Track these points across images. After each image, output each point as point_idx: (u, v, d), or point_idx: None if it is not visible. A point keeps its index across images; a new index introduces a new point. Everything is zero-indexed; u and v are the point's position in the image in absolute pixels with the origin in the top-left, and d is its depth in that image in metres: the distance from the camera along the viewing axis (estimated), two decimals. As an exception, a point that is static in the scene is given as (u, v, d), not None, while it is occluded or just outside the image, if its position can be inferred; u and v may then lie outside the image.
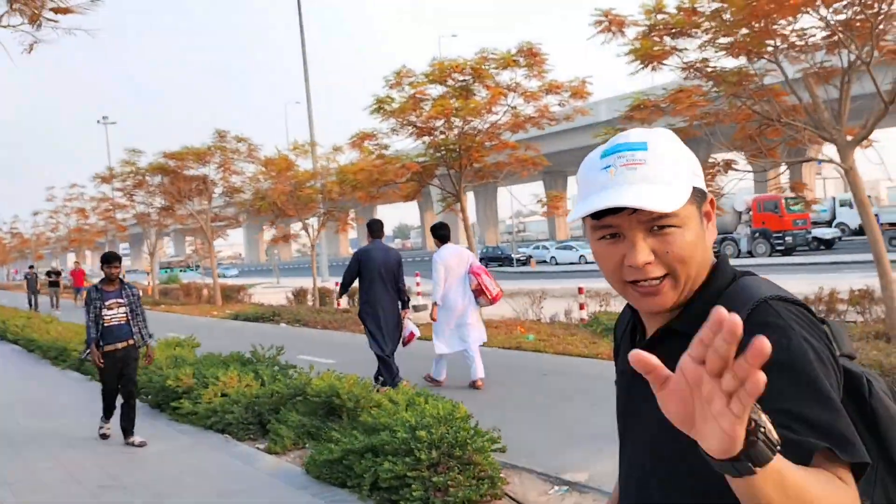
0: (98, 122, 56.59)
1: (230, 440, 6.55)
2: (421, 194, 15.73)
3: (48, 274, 30.89)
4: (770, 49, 8.32)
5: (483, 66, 12.64)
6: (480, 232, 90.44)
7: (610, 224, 1.10)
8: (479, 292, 8.22)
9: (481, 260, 49.22)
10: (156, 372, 8.29)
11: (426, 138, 14.21)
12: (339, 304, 16.50)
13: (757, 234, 34.63)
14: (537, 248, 47.87)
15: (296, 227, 23.80)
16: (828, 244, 36.03)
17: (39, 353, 13.21)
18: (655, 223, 1.08)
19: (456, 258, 8.25)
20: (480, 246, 63.57)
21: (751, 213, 35.19)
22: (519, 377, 8.67)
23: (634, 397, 1.19)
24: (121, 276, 6.83)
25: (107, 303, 6.54)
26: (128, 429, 6.66)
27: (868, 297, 9.70)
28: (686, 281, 1.11)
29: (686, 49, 8.84)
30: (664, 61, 8.77)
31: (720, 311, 0.77)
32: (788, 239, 33.69)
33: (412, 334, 8.11)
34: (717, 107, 8.83)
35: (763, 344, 0.74)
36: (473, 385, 8.15)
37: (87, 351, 6.66)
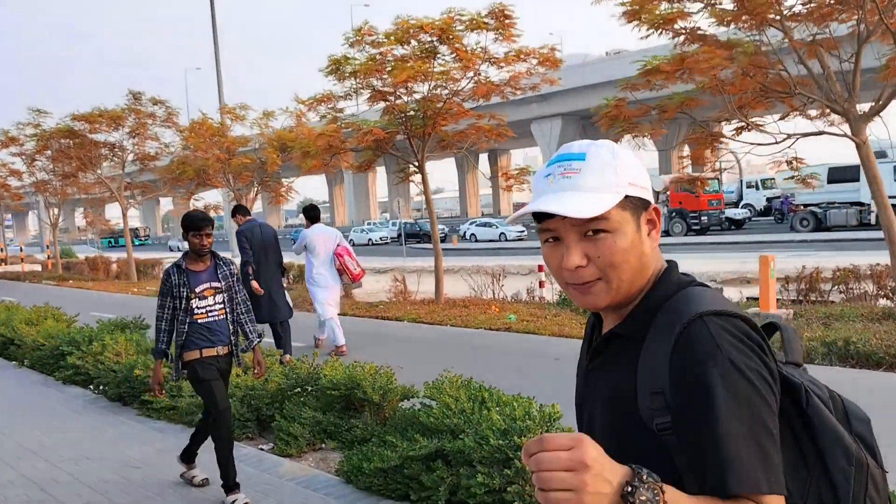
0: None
1: (225, 440, 5.60)
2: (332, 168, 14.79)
3: None
4: (776, 18, 7.94)
5: (451, 28, 11.82)
6: (391, 210, 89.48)
7: (549, 228, 1.15)
8: (341, 271, 8.88)
9: (400, 235, 48.73)
10: (110, 359, 7.17)
11: (381, 103, 13.29)
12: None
13: (674, 214, 35.41)
14: (488, 225, 47.08)
15: (211, 197, 22.36)
16: (738, 224, 37.28)
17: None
18: (589, 228, 1.12)
19: (323, 236, 8.91)
20: (397, 222, 62.85)
21: (668, 192, 35.98)
22: (542, 364, 8.04)
23: (588, 393, 1.27)
24: (211, 248, 4.50)
25: (197, 289, 4.42)
26: (192, 458, 4.87)
27: (853, 275, 9.60)
28: (619, 285, 1.15)
29: (691, 14, 8.37)
30: (672, 26, 8.26)
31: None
32: (704, 219, 34.55)
33: (287, 304, 8.51)
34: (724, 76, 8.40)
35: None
36: (338, 351, 8.72)
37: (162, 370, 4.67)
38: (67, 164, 24.56)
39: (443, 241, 48.90)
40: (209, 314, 4.45)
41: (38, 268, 33.55)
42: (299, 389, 5.81)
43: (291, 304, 8.65)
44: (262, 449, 5.44)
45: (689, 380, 1.03)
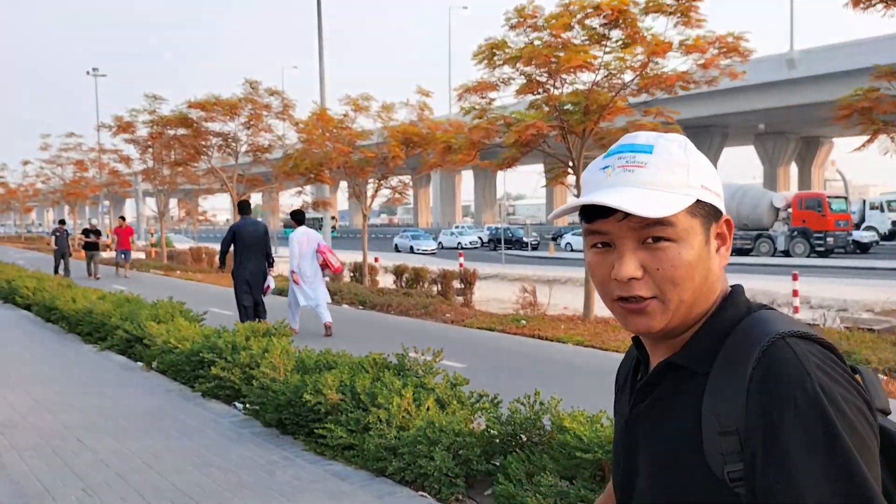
0: (88, 73, 53.56)
1: (430, 501, 4.33)
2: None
3: (85, 232, 23.13)
4: None
5: (628, 10, 10.37)
6: (477, 214, 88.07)
7: (600, 230, 0.99)
8: (324, 266, 10.73)
9: (489, 241, 47.82)
10: (266, 374, 6.02)
11: (529, 96, 11.97)
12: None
13: (796, 233, 33.06)
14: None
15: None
16: (864, 248, 34.49)
17: (65, 326, 10.85)
18: (649, 234, 0.96)
19: (307, 237, 10.68)
20: (484, 228, 61.51)
21: (790, 210, 33.59)
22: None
23: (632, 441, 1.06)
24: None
25: None
26: None
27: None
28: (678, 306, 0.97)
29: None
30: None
31: None
32: (830, 240, 32.12)
33: (268, 286, 10.50)
34: None
35: None
36: (326, 329, 10.55)
37: None
38: (179, 153, 24.30)
39: (535, 248, 47.61)
40: None
41: (142, 255, 33.72)
42: (524, 439, 4.48)
43: (272, 283, 10.80)
44: (483, 520, 4.13)
45: (772, 416, 0.85)
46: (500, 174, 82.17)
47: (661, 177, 0.96)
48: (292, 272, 10.63)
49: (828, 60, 39.48)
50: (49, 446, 5.35)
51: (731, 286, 1.04)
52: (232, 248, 10.30)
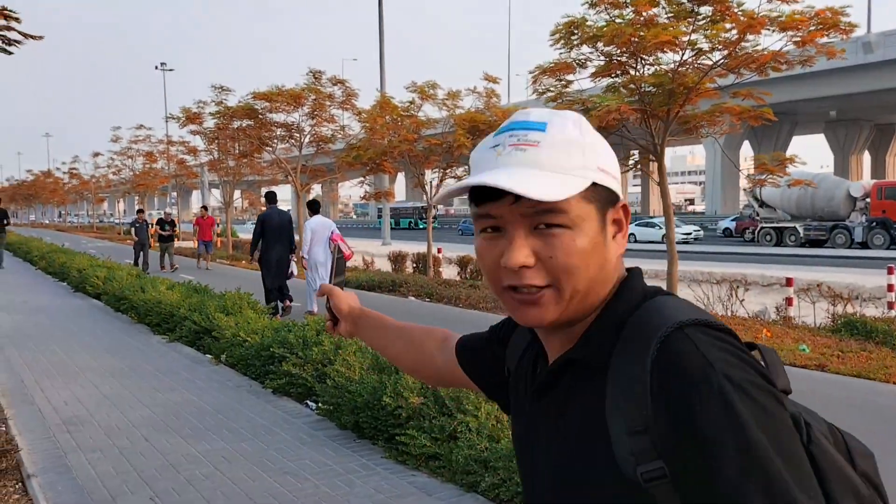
0: (156, 68, 54.93)
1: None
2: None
3: (160, 223, 21.50)
4: None
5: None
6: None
7: (489, 214, 0.92)
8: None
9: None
10: (341, 373, 5.64)
11: (605, 79, 11.30)
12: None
13: (875, 224, 31.50)
14: (649, 224, 43.53)
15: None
16: (946, 242, 32.56)
17: (134, 316, 10.76)
18: (541, 220, 0.90)
19: (321, 226, 11.25)
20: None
21: (868, 199, 31.98)
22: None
23: (534, 439, 1.02)
24: None
25: None
26: None
27: None
28: (573, 296, 0.92)
29: None
30: None
31: None
32: (912, 231, 30.40)
33: (292, 272, 11.57)
34: None
35: None
36: (309, 313, 11.00)
37: None
38: (245, 144, 24.34)
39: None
40: None
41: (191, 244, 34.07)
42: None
43: (295, 270, 11.82)
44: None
45: (680, 414, 0.81)
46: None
47: (556, 157, 0.90)
48: (302, 258, 11.40)
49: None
50: (116, 447, 5.08)
51: (628, 269, 0.99)
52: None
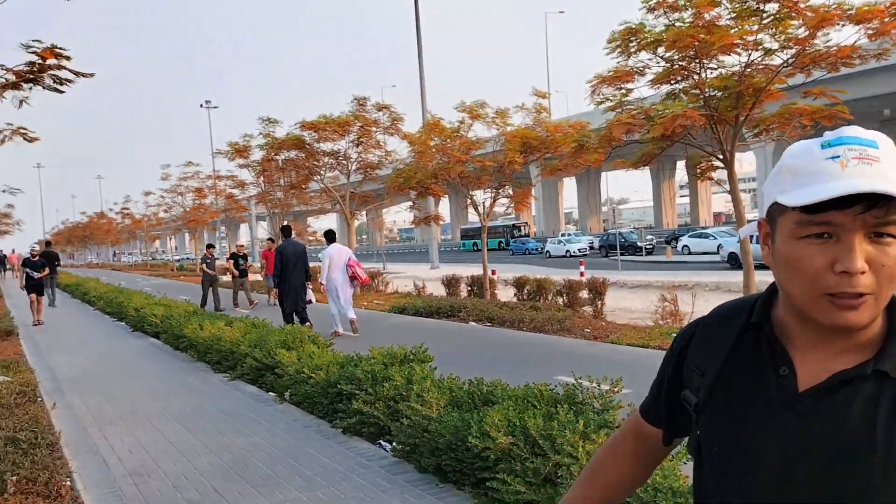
0: (201, 106, 56.18)
1: (651, 581, 3.39)
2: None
3: (233, 258, 19.96)
4: None
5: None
6: (581, 220, 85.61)
7: (828, 221, 0.93)
8: (352, 278, 12.30)
9: (601, 248, 46.16)
10: (416, 411, 5.25)
11: (670, 85, 10.83)
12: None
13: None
14: (704, 235, 42.54)
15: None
16: None
17: (194, 354, 10.58)
18: (879, 229, 0.92)
19: (338, 253, 12.30)
20: (591, 235, 59.81)
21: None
22: None
23: (786, 441, 0.98)
24: None
25: None
26: None
27: None
28: (883, 304, 0.95)
29: None
30: None
31: None
32: None
33: (309, 300, 12.41)
34: None
35: None
36: (352, 324, 12.20)
37: None
38: (292, 175, 24.41)
39: (650, 252, 45.67)
40: None
41: (259, 277, 34.28)
42: None
43: (313, 298, 12.70)
44: None
45: None
46: (602, 177, 79.81)
47: (892, 174, 0.92)
48: (321, 284, 12.27)
49: None
50: (185, 499, 4.77)
51: None
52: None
